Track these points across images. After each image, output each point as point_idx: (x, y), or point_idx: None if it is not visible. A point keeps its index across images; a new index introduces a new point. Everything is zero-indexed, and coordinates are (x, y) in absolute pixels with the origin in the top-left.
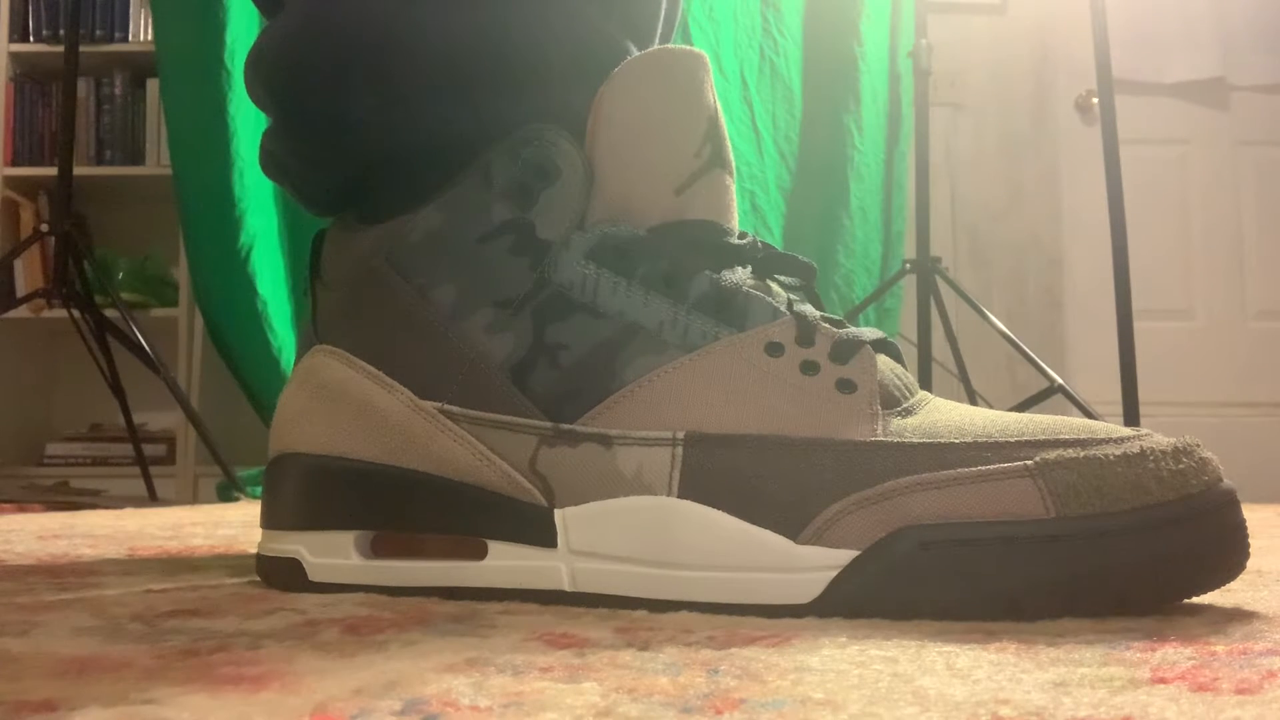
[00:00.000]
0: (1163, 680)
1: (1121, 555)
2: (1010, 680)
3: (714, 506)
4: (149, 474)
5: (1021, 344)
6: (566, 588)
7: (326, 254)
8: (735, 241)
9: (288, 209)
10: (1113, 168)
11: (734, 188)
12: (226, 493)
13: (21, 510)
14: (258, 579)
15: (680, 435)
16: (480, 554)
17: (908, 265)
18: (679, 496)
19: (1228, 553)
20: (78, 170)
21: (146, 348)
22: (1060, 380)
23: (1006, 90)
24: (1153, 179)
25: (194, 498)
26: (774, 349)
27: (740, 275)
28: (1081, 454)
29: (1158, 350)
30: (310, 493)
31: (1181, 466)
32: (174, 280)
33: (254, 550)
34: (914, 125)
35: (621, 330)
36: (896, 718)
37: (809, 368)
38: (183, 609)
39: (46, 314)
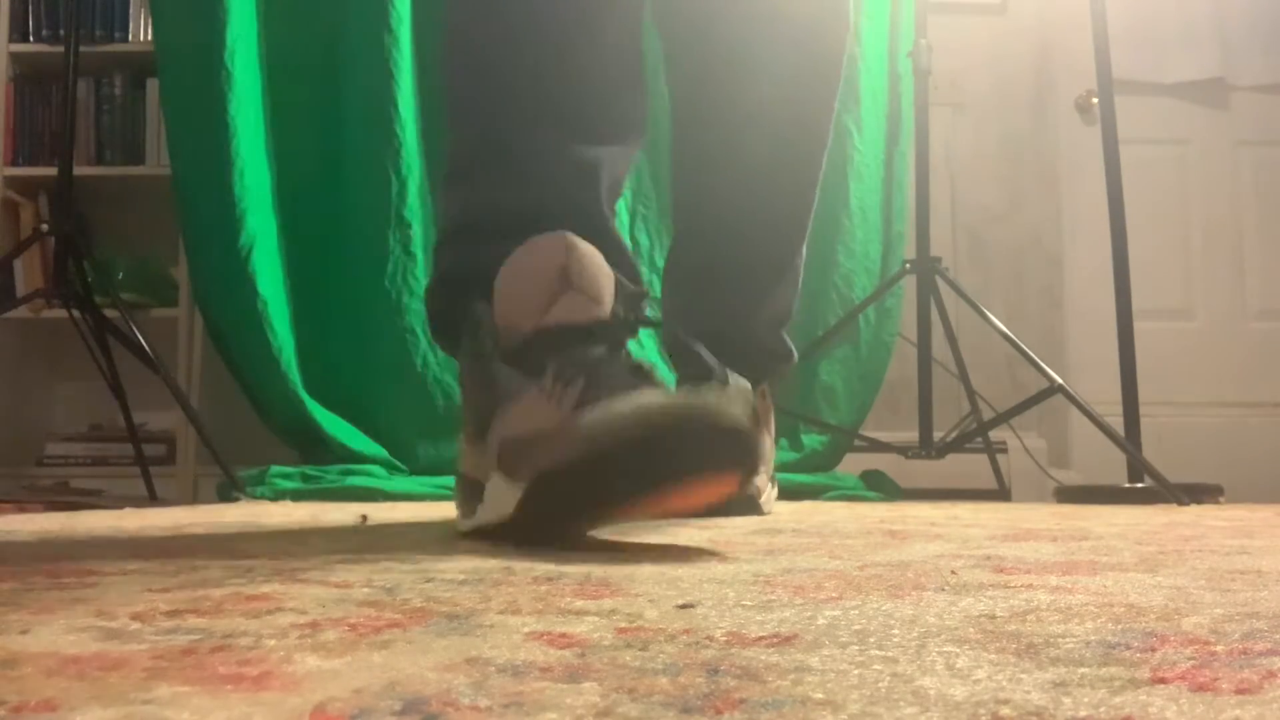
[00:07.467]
0: (1163, 680)
1: None
2: (1010, 680)
3: None
4: (149, 474)
5: (1021, 344)
6: None
7: None
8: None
9: (288, 209)
10: (1113, 168)
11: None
12: (226, 493)
13: (21, 510)
14: (258, 578)
15: None
16: None
17: (908, 265)
18: None
19: None
20: (78, 170)
21: (146, 348)
22: (1060, 380)
23: (1006, 90)
24: (1153, 179)
25: (194, 498)
26: None
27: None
28: None
29: (1158, 350)
30: None
31: None
32: (174, 280)
33: (253, 550)
34: (914, 125)
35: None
36: (896, 718)
37: None
38: (183, 609)
39: (46, 314)
